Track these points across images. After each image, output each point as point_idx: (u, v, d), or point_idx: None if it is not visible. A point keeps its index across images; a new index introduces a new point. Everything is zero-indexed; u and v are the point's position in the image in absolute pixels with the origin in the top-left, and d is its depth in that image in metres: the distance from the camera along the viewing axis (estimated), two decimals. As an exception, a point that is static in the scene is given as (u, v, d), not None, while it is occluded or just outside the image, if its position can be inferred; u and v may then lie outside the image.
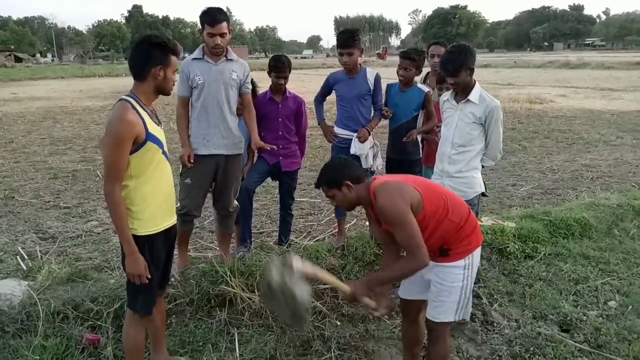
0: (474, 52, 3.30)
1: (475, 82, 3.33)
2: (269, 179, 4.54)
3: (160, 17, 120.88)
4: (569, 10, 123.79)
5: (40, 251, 4.62)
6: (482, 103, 3.28)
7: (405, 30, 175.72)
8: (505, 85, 22.70)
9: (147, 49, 2.41)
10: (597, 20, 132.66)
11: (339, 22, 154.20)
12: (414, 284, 2.64)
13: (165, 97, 2.62)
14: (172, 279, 3.62)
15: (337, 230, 4.75)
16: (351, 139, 4.21)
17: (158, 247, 2.55)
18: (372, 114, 4.30)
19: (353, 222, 5.35)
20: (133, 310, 2.59)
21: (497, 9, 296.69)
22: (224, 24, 3.55)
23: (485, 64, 42.66)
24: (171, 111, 12.19)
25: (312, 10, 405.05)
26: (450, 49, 3.34)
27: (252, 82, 4.19)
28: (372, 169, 4.30)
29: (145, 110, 2.44)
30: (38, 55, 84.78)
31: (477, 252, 2.51)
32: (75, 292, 3.47)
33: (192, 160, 3.66)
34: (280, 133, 4.23)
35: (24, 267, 4.22)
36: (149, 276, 2.46)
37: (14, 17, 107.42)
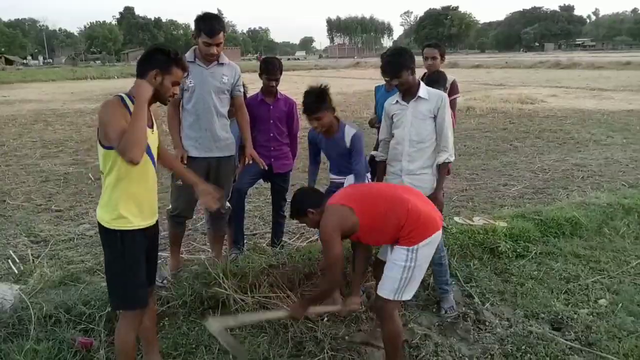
0: (411, 54, 3.46)
1: (419, 81, 3.49)
2: (260, 181, 4.54)
3: (153, 18, 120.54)
4: (559, 10, 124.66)
5: (31, 254, 4.59)
6: (432, 98, 3.42)
7: (398, 31, 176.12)
8: (496, 86, 22.84)
9: (151, 52, 2.50)
10: (587, 20, 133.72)
11: (331, 24, 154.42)
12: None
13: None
14: (165, 282, 3.62)
15: None
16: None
17: (137, 244, 2.51)
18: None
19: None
20: (126, 308, 2.56)
21: (488, 10, 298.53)
22: (221, 34, 3.56)
23: (477, 64, 42.89)
24: (163, 113, 12.19)
25: (304, 11, 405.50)
26: (389, 52, 3.53)
27: (243, 84, 4.19)
28: None
29: None
30: (29, 57, 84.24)
31: (425, 242, 2.69)
32: (68, 295, 3.46)
33: (185, 162, 3.66)
34: (271, 135, 4.24)
35: (16, 271, 4.22)
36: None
37: (4, 19, 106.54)
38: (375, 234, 2.78)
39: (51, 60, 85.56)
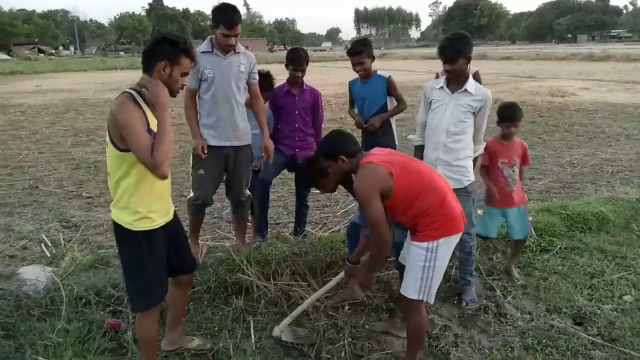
0: (471, 42, 3.36)
1: (469, 73, 3.39)
2: (285, 171, 4.60)
3: (181, 10, 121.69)
4: (594, 1, 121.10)
5: (63, 239, 4.76)
6: (478, 93, 3.34)
7: (425, 22, 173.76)
8: (526, 78, 22.38)
9: (158, 42, 2.40)
10: (624, 11, 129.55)
11: (359, 14, 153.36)
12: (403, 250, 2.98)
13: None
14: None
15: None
16: None
17: (157, 242, 2.49)
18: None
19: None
20: (141, 309, 2.56)
21: (519, 0, 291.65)
22: (239, 26, 3.59)
23: (507, 56, 42.06)
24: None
25: (331, 2, 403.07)
26: (450, 35, 3.37)
27: (269, 75, 4.23)
28: None
29: (148, 105, 2.39)
30: (61, 47, 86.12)
31: (445, 241, 2.63)
32: (97, 278, 3.59)
33: (205, 151, 3.71)
34: (297, 125, 4.28)
35: (48, 254, 4.37)
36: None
37: (38, 11, 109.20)
38: (400, 209, 2.64)
39: (77, 51, 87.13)
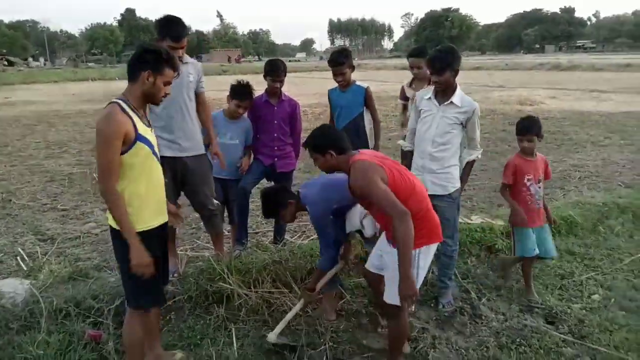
0: (460, 56, 3.44)
1: (457, 85, 3.46)
2: (264, 180, 4.65)
3: (154, 20, 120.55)
4: (559, 12, 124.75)
5: (39, 252, 4.71)
6: (464, 106, 3.42)
7: (398, 33, 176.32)
8: (496, 87, 22.93)
9: (141, 52, 2.51)
10: (588, 22, 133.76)
11: (332, 25, 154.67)
12: (373, 258, 3.06)
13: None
14: (175, 275, 3.73)
15: None
16: None
17: (153, 243, 2.56)
18: None
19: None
20: (138, 307, 2.65)
21: (488, 12, 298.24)
22: (185, 38, 3.62)
23: (477, 66, 42.95)
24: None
25: (305, 13, 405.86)
26: (440, 47, 3.48)
27: (249, 85, 4.28)
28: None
29: (136, 112, 2.49)
30: (30, 59, 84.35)
31: (426, 249, 2.71)
32: (77, 290, 3.57)
33: None
34: (275, 135, 4.35)
35: (25, 268, 4.32)
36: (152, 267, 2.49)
37: (6, 21, 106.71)
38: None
39: (47, 62, 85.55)
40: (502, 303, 3.74)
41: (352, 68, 4.31)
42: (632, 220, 5.23)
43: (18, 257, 4.57)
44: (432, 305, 3.71)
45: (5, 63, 60.89)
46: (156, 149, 2.63)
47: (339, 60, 4.23)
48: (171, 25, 3.56)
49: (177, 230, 4.30)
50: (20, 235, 5.28)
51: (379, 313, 3.41)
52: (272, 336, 3.16)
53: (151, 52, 2.50)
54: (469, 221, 4.78)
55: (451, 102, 3.41)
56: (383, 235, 2.97)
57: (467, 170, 3.66)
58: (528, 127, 3.65)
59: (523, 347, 3.16)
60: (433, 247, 2.79)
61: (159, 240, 2.67)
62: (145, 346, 2.85)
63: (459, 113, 3.42)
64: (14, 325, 3.22)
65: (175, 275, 3.74)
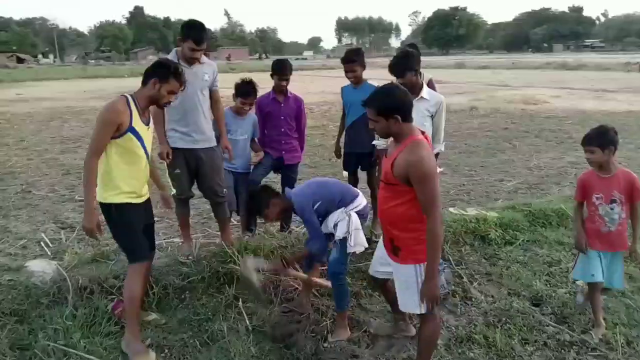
0: (417, 56, 3.84)
1: (422, 82, 3.87)
2: (271, 174, 4.97)
3: (162, 18, 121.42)
4: (568, 11, 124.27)
5: (63, 238, 5.04)
6: (432, 99, 3.83)
7: (406, 31, 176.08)
8: (501, 87, 23.13)
9: (157, 64, 3.07)
10: (597, 22, 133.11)
11: (340, 24, 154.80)
12: (377, 261, 3.06)
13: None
14: (190, 257, 4.06)
15: None
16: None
17: (130, 215, 3.05)
18: None
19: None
20: (134, 260, 3.10)
21: (496, 11, 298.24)
22: (205, 42, 3.95)
23: (484, 65, 43.12)
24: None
25: (312, 11, 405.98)
26: (397, 54, 3.93)
27: (252, 82, 4.57)
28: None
29: (138, 109, 2.98)
30: (40, 56, 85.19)
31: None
32: (99, 270, 3.88)
33: (170, 157, 4.00)
34: (282, 130, 4.66)
35: (49, 253, 4.65)
36: (99, 234, 3.05)
37: (16, 18, 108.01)
38: (407, 207, 2.56)
39: (57, 59, 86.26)
40: (492, 287, 4.02)
41: (364, 67, 4.65)
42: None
43: (42, 243, 4.91)
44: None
45: (16, 60, 61.54)
46: (147, 145, 3.09)
47: (351, 58, 4.59)
48: (195, 29, 3.89)
49: (190, 220, 4.63)
50: (42, 223, 5.62)
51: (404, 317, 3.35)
52: (246, 266, 3.42)
53: (163, 65, 3.05)
54: (464, 213, 5.05)
55: (421, 97, 3.82)
56: (381, 244, 2.95)
57: None
58: (588, 138, 3.26)
59: (508, 325, 3.44)
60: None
61: (141, 213, 3.16)
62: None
63: (430, 106, 3.83)
64: (44, 300, 3.54)
65: (190, 258, 4.05)
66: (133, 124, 2.94)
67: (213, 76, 4.16)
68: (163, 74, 2.98)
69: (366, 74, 4.79)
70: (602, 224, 3.27)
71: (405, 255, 2.65)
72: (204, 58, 4.09)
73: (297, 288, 3.89)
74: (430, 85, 4.72)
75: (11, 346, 3.11)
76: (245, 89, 4.49)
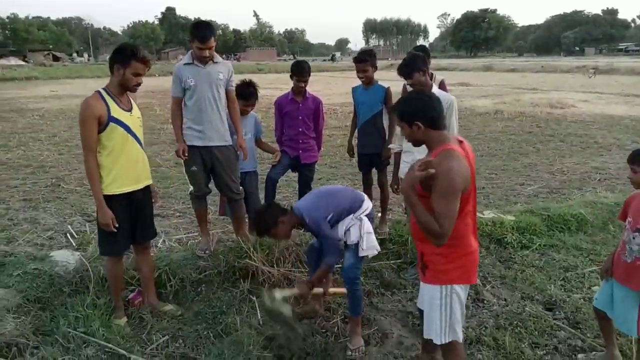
0: (424, 58, 3.85)
1: (432, 84, 3.89)
2: (289, 173, 5.05)
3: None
4: (601, 14, 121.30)
5: (88, 230, 5.23)
6: (442, 99, 3.76)
7: (434, 33, 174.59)
8: (529, 90, 22.76)
9: (114, 50, 3.16)
10: (632, 24, 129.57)
11: (367, 25, 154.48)
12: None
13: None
14: (207, 252, 4.17)
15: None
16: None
17: (119, 206, 3.19)
18: None
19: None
20: (102, 253, 3.41)
21: (527, 13, 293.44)
22: (212, 39, 4.01)
23: (512, 68, 42.44)
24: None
25: (340, 13, 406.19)
26: (406, 56, 3.94)
27: (252, 84, 4.58)
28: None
29: (113, 99, 3.11)
30: (75, 54, 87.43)
31: (459, 288, 2.46)
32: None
33: (186, 154, 4.10)
34: (300, 129, 4.74)
35: (74, 244, 4.83)
36: (116, 226, 3.17)
37: (53, 18, 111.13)
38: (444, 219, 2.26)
39: (91, 58, 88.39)
40: (505, 290, 4.02)
41: (375, 68, 4.68)
42: (644, 221, 5.37)
43: (67, 234, 5.10)
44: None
45: (52, 58, 63.32)
46: (134, 130, 3.23)
47: (363, 58, 4.63)
48: (199, 29, 3.99)
49: (209, 215, 4.75)
50: (69, 215, 5.82)
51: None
52: (274, 298, 3.08)
53: (120, 50, 3.13)
54: (481, 215, 5.04)
55: None
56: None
57: None
58: (633, 156, 2.89)
59: (519, 328, 3.45)
60: (467, 288, 2.53)
61: (125, 207, 3.27)
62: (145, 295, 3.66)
63: None
64: (67, 289, 3.71)
65: (207, 252, 4.16)
66: (112, 114, 3.08)
67: (228, 75, 4.23)
68: (123, 59, 3.07)
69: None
70: (623, 251, 2.83)
71: (432, 274, 2.48)
72: (218, 57, 4.18)
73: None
74: (442, 86, 4.75)
75: (34, 331, 3.26)
76: (245, 92, 4.52)
